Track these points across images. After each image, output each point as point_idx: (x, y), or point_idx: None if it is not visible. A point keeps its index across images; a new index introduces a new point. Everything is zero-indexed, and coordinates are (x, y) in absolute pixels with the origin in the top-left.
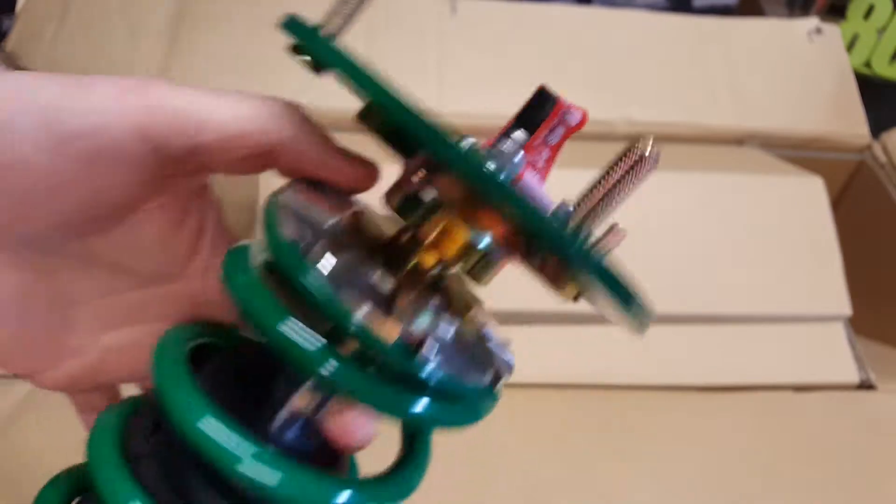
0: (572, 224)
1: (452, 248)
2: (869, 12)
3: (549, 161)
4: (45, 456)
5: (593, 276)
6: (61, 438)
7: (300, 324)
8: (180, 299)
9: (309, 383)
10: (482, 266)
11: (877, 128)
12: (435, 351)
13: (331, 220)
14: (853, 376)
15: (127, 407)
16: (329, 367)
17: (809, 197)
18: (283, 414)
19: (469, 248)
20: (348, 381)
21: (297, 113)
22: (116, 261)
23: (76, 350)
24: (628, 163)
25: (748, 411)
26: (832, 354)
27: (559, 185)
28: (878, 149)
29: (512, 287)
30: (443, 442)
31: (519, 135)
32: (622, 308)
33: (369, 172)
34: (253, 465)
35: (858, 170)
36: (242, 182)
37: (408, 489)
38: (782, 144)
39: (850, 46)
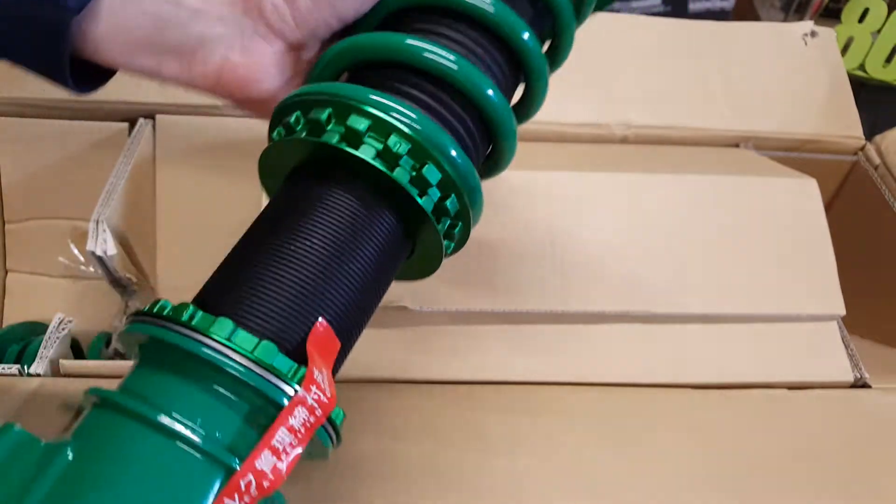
0: None
1: None
2: (863, 15)
3: None
4: None
5: None
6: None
7: None
8: None
9: None
10: None
11: (871, 130)
12: None
13: None
14: (847, 375)
15: None
16: None
17: (804, 198)
18: None
19: None
20: None
21: None
22: None
23: None
24: None
25: (743, 409)
26: (826, 353)
27: (560, 186)
28: (871, 151)
29: (511, 287)
30: (436, 438)
31: None
32: None
33: None
34: None
35: (852, 171)
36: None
37: None
38: (777, 146)
39: (844, 49)
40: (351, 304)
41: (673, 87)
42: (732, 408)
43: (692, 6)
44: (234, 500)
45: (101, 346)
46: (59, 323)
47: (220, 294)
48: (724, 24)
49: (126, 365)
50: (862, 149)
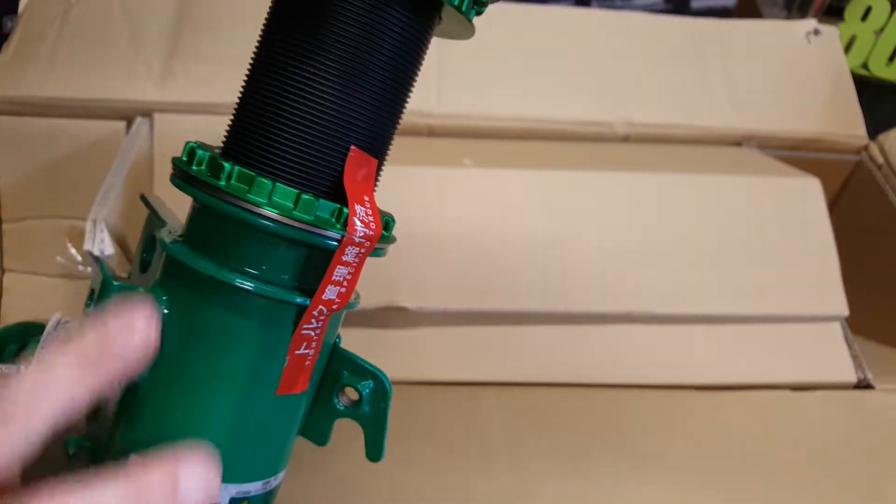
0: None
1: None
2: (866, 14)
3: None
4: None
5: None
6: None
7: None
8: None
9: None
10: None
11: (874, 129)
12: None
13: None
14: (850, 376)
15: None
16: None
17: (807, 198)
18: None
19: None
20: None
21: None
22: None
23: None
24: None
25: (746, 410)
26: (830, 354)
27: (562, 184)
28: (875, 150)
29: (511, 287)
30: (437, 439)
31: None
32: None
33: None
34: None
35: (856, 171)
36: None
37: None
38: (780, 145)
39: (847, 48)
40: (379, 117)
41: (675, 86)
42: (735, 409)
43: (694, 4)
44: (311, 324)
45: None
46: (57, 323)
47: (245, 142)
48: (726, 21)
49: None
50: (865, 148)
